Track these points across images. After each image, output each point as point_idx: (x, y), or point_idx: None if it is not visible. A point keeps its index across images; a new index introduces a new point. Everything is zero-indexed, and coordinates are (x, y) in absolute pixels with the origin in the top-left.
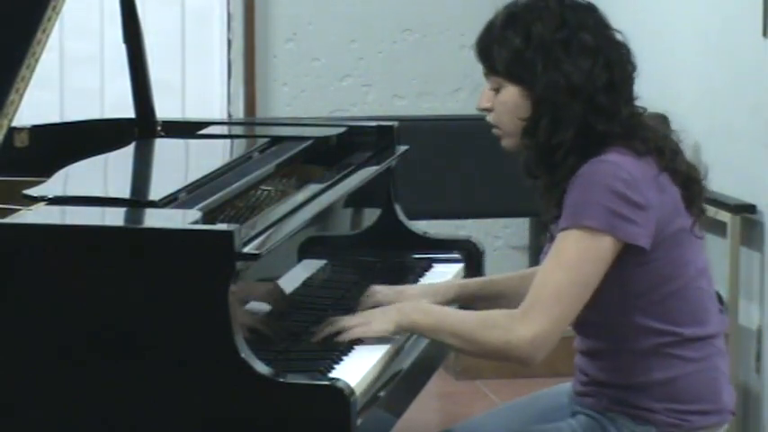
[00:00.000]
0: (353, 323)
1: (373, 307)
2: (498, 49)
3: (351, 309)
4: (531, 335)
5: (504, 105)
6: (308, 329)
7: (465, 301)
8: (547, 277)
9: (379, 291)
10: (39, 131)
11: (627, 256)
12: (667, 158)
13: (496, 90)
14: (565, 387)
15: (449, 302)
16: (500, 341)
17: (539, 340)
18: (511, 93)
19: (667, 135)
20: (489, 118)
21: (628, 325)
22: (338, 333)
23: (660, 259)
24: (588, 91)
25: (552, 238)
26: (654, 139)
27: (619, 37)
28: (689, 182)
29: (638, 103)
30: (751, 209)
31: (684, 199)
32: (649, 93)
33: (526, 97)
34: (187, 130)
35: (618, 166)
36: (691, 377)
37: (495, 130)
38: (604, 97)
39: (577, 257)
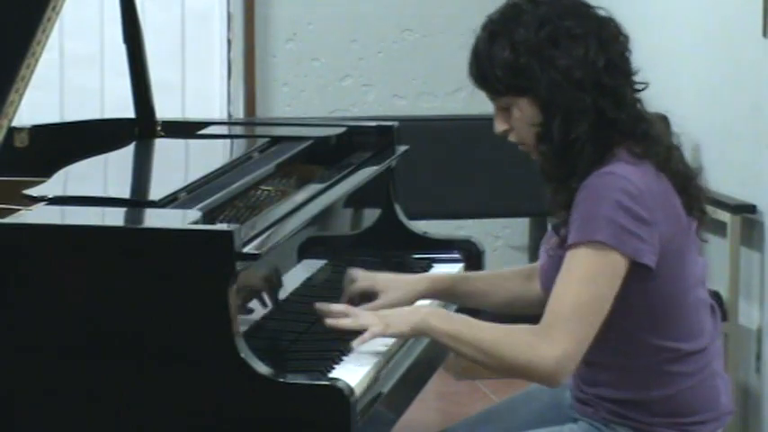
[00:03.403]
0: (370, 322)
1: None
2: (491, 70)
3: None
4: (555, 355)
5: (521, 121)
6: (309, 329)
7: (438, 296)
8: (564, 295)
9: (356, 276)
10: (39, 131)
11: (631, 274)
12: (662, 158)
13: (506, 110)
14: None
15: (419, 294)
16: (522, 360)
17: (563, 361)
18: (522, 106)
19: (664, 131)
20: (512, 138)
21: (631, 341)
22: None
23: (663, 276)
24: (591, 77)
25: (563, 241)
26: (651, 135)
27: (602, 13)
28: (686, 183)
29: (638, 78)
30: (751, 209)
31: (684, 204)
32: (649, 93)
33: (536, 105)
34: (187, 130)
35: (626, 180)
36: (689, 392)
37: (522, 148)
38: (608, 78)
39: (591, 273)
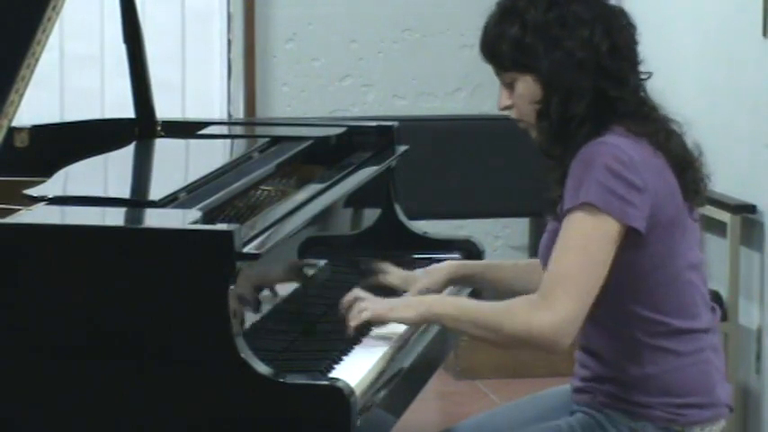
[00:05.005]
0: (377, 303)
1: (378, 286)
2: (499, 46)
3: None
4: (554, 320)
5: (522, 97)
6: (309, 329)
7: (466, 281)
8: (560, 261)
9: (390, 272)
10: (39, 131)
11: (623, 240)
12: (661, 140)
13: (511, 86)
14: (564, 389)
15: (449, 277)
16: (522, 328)
17: (563, 325)
18: (525, 83)
19: (666, 116)
20: (512, 114)
21: (621, 312)
22: (359, 311)
23: (651, 246)
24: (593, 60)
25: (557, 218)
26: (652, 118)
27: (613, 2)
28: (684, 165)
29: (642, 68)
30: (751, 209)
31: (681, 186)
32: (649, 93)
33: (538, 83)
34: (187, 130)
35: (617, 148)
36: (683, 370)
37: (520, 125)
38: (610, 61)
39: (586, 237)
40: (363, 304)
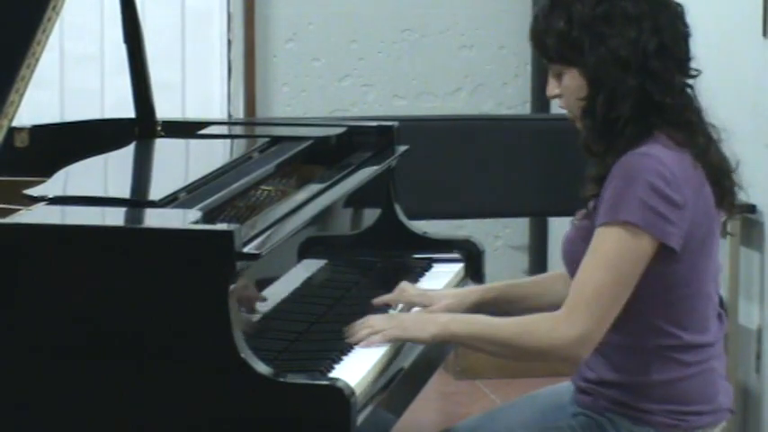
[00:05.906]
0: (390, 325)
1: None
2: (546, 37)
3: (352, 308)
4: (576, 335)
5: (568, 89)
6: (309, 329)
7: (489, 306)
8: (588, 277)
9: (407, 289)
10: (39, 131)
11: (655, 255)
12: (702, 148)
13: (559, 76)
14: (565, 386)
15: (470, 305)
16: (544, 344)
17: (583, 340)
18: (571, 76)
19: (708, 122)
20: (560, 103)
21: (637, 320)
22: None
23: (683, 262)
24: (639, 60)
25: (588, 215)
26: (695, 127)
27: None
28: (720, 175)
29: (694, 64)
30: (751, 209)
31: (715, 194)
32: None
33: (584, 77)
34: (187, 130)
35: (660, 162)
36: (688, 380)
37: (567, 115)
38: (657, 62)
39: (618, 256)
40: (377, 326)
